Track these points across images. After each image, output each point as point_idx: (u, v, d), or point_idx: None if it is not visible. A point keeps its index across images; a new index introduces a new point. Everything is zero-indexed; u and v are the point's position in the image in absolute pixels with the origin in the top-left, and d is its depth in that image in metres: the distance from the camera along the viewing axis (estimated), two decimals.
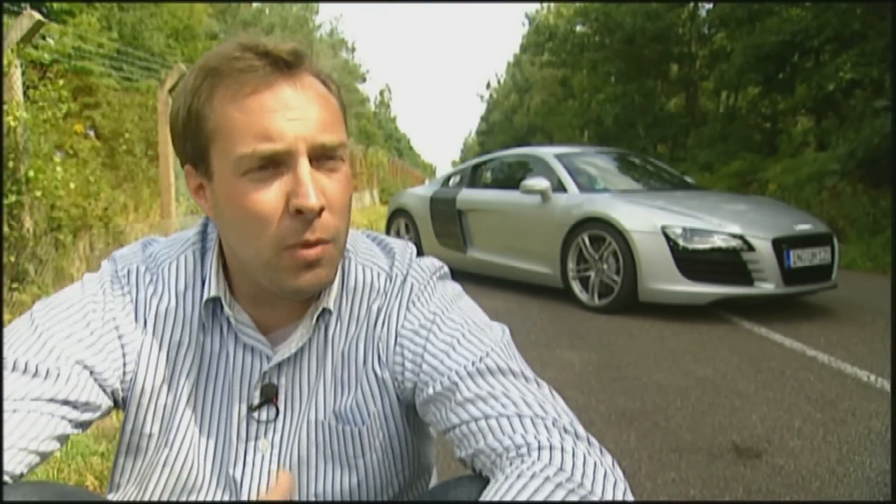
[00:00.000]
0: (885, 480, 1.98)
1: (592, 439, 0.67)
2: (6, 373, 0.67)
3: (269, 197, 0.67)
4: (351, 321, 0.80)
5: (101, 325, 0.74)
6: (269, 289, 0.73)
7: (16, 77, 4.13)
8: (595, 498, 0.60)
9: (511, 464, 0.63)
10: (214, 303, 0.77)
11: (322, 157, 0.69)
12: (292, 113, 0.67)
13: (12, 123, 4.00)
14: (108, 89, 7.39)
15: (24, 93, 4.23)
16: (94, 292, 0.77)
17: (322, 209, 0.68)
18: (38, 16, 4.18)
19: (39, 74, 4.49)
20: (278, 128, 0.66)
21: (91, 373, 0.71)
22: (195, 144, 0.70)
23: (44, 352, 0.69)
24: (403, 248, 0.85)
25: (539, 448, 0.63)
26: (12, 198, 4.02)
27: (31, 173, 4.07)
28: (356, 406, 0.79)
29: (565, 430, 0.66)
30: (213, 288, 0.76)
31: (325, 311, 0.78)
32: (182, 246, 0.81)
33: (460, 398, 0.70)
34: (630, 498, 0.62)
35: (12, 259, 4.06)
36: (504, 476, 0.61)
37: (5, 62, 4.00)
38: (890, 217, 6.89)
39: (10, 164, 4.01)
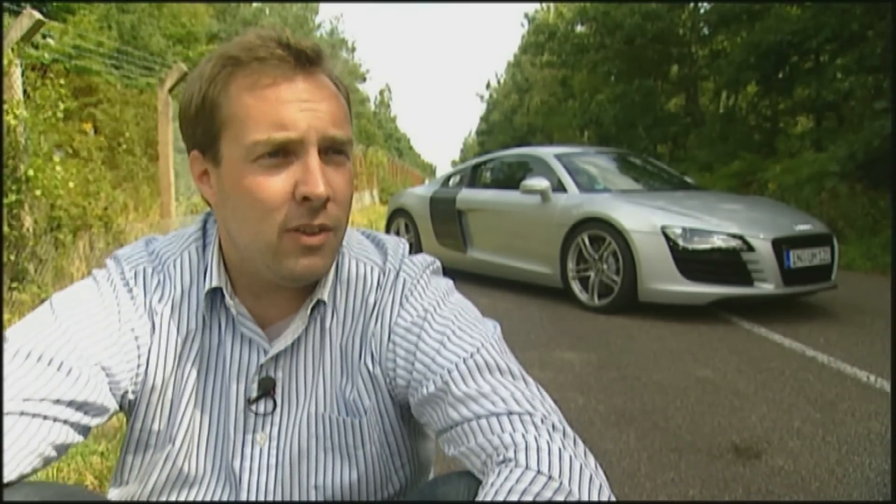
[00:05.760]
0: (884, 481, 1.98)
1: (578, 439, 0.69)
2: (30, 361, 0.67)
3: (278, 183, 0.69)
4: (347, 314, 0.80)
5: (118, 328, 0.75)
6: (266, 275, 0.74)
7: (16, 76, 4.13)
8: (578, 499, 0.60)
9: (499, 467, 0.63)
10: (215, 294, 0.78)
11: (330, 150, 0.71)
12: (306, 105, 0.69)
13: (12, 122, 3.99)
14: (108, 85, 7.38)
15: (24, 92, 4.23)
16: (109, 294, 0.77)
17: (328, 199, 0.70)
18: (38, 15, 4.18)
19: (40, 74, 4.47)
20: (293, 117, 0.68)
21: (108, 375, 0.72)
22: (206, 130, 0.72)
23: (67, 348, 0.69)
24: (396, 244, 0.86)
25: (526, 448, 0.64)
26: (12, 197, 4.02)
27: (31, 172, 4.06)
28: (354, 398, 0.79)
29: (553, 428, 0.67)
30: (215, 278, 0.77)
31: (320, 303, 0.79)
32: (185, 242, 0.82)
33: (451, 399, 0.71)
34: (613, 500, 0.63)
35: (12, 258, 4.06)
36: (490, 485, 0.61)
37: (5, 62, 4.00)
38: (889, 217, 6.89)
39: (10, 163, 4.01)
